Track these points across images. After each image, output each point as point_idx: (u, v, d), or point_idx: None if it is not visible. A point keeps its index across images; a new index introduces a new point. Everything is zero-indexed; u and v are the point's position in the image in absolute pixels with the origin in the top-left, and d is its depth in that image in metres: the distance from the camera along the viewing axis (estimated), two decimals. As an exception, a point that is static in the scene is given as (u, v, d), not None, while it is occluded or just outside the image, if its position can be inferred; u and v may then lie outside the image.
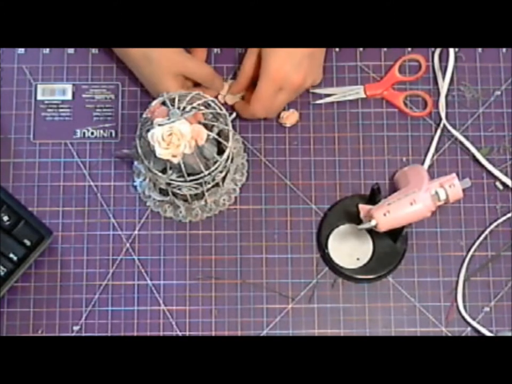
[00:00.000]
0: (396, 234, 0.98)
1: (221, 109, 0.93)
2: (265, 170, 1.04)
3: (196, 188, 0.94)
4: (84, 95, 1.06)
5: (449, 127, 1.04)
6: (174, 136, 0.87)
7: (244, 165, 1.03)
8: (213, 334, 1.00)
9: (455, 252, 1.02)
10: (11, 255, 0.97)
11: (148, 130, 0.89)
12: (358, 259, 1.01)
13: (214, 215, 1.02)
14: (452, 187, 0.95)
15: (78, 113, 1.05)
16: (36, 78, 1.06)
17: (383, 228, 0.94)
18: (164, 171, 0.92)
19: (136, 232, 1.02)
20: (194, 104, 0.90)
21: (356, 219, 0.98)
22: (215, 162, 0.93)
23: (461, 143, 1.04)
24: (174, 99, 0.90)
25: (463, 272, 1.01)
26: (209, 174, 0.92)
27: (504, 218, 1.02)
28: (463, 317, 1.00)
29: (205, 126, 0.90)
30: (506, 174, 1.03)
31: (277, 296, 1.01)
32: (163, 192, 1.00)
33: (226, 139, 0.93)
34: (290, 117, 1.04)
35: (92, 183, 1.03)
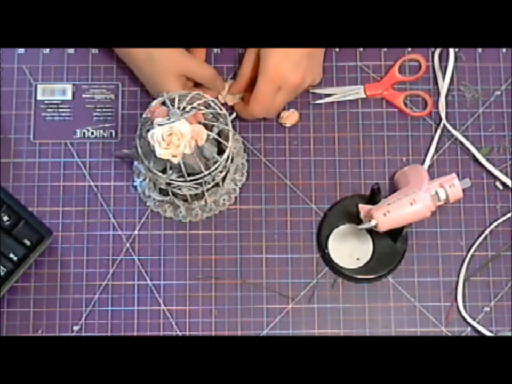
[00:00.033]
0: (396, 234, 0.98)
1: (221, 109, 0.93)
2: (265, 170, 1.04)
3: (196, 188, 0.94)
4: (84, 95, 1.06)
5: (449, 127, 1.04)
6: (174, 136, 0.87)
7: (244, 165, 1.03)
8: (213, 334, 1.00)
9: (455, 252, 1.02)
10: (11, 255, 0.97)
11: (148, 130, 0.89)
12: (358, 259, 1.01)
13: (214, 215, 1.02)
14: (452, 187, 0.95)
15: (78, 113, 1.05)
16: (35, 78, 1.06)
17: (383, 228, 0.94)
18: (164, 171, 0.92)
19: (136, 232, 1.02)
20: (194, 104, 0.90)
21: (355, 219, 0.98)
22: (215, 162, 0.93)
23: (461, 143, 1.04)
24: (174, 99, 0.90)
25: (463, 272, 1.01)
26: (209, 174, 0.92)
27: (504, 218, 1.02)
28: (463, 317, 1.00)
29: (205, 126, 0.90)
30: (506, 174, 1.03)
31: (277, 296, 1.01)
32: (163, 192, 1.00)
33: (226, 139, 0.93)
34: (290, 117, 1.04)
35: (91, 183, 1.03)
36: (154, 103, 0.91)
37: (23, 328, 0.99)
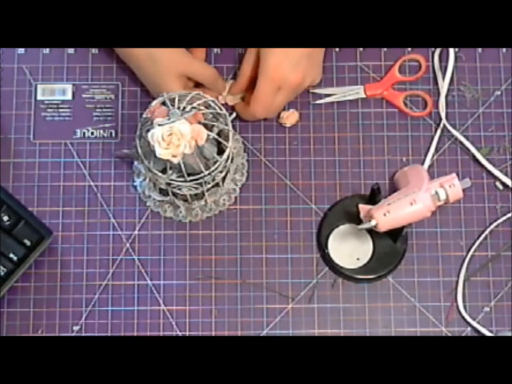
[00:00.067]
0: (396, 234, 0.98)
1: (221, 109, 0.93)
2: (265, 170, 1.04)
3: (196, 188, 0.94)
4: (84, 95, 1.06)
5: (449, 127, 1.04)
6: (174, 136, 0.87)
7: (244, 165, 1.03)
8: (213, 334, 1.00)
9: (455, 252, 1.02)
10: (11, 255, 0.97)
11: (148, 130, 0.89)
12: (358, 259, 1.01)
13: (214, 215, 1.02)
14: (452, 187, 0.95)
15: (78, 113, 1.05)
16: (35, 78, 1.06)
17: (383, 228, 0.94)
18: (164, 171, 0.92)
19: (136, 232, 1.02)
20: (194, 104, 0.90)
21: (356, 219, 0.98)
22: (215, 162, 0.93)
23: (461, 143, 1.04)
24: (174, 99, 0.90)
25: (463, 272, 1.01)
26: (209, 174, 0.92)
27: (504, 218, 1.02)
28: (463, 317, 1.00)
29: (205, 126, 0.90)
30: (506, 174, 1.03)
31: (277, 296, 1.01)
32: (163, 192, 1.00)
33: (226, 139, 0.93)
34: (290, 117, 1.04)
35: (91, 183, 1.03)
36: (154, 103, 0.91)
37: (23, 328, 0.99)
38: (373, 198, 0.98)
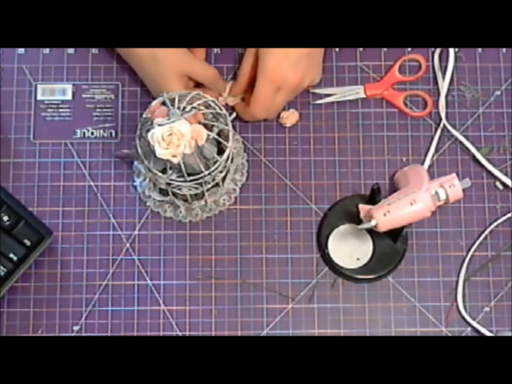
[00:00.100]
0: (396, 234, 0.98)
1: (221, 109, 0.93)
2: (265, 170, 1.04)
3: (196, 188, 0.94)
4: (84, 95, 1.06)
5: (449, 127, 1.04)
6: (174, 136, 0.87)
7: (244, 165, 1.03)
8: (213, 334, 1.00)
9: (455, 252, 1.02)
10: (11, 255, 0.97)
11: (148, 130, 0.89)
12: (358, 259, 1.01)
13: (214, 215, 1.02)
14: (452, 187, 0.95)
15: (78, 113, 1.05)
16: (35, 78, 1.06)
17: (383, 228, 0.94)
18: (164, 171, 0.92)
19: (136, 232, 1.02)
20: (194, 104, 0.90)
21: (356, 219, 0.98)
22: (215, 162, 0.93)
23: (461, 143, 1.04)
24: (174, 99, 0.90)
25: (463, 272, 1.01)
26: (209, 174, 0.92)
27: (504, 218, 1.02)
28: (463, 317, 1.00)
29: (205, 126, 0.90)
30: (506, 174, 1.03)
31: (277, 296, 1.01)
32: (163, 192, 1.00)
33: (226, 139, 0.93)
34: (290, 117, 1.04)
35: (91, 183, 1.03)
36: (154, 103, 0.91)
37: (23, 328, 0.99)
38: (373, 198, 0.98)
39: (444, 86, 1.05)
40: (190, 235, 1.02)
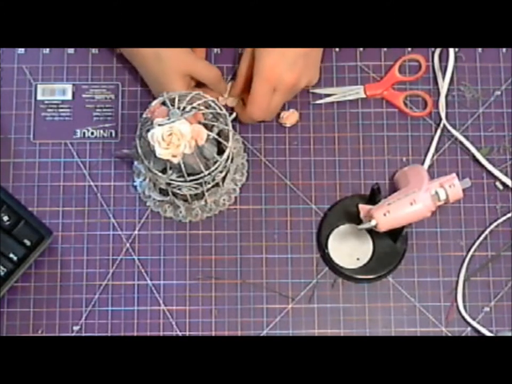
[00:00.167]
0: (396, 234, 0.98)
1: (221, 109, 0.93)
2: (265, 170, 1.04)
3: (196, 188, 0.94)
4: (84, 95, 1.06)
5: (449, 127, 1.04)
6: (174, 136, 0.87)
7: (244, 165, 1.03)
8: (213, 334, 1.00)
9: (455, 252, 1.02)
10: (11, 255, 0.97)
11: (148, 130, 0.89)
12: (358, 259, 1.01)
13: (214, 215, 1.02)
14: (452, 187, 0.95)
15: (78, 113, 1.05)
16: (35, 78, 1.06)
17: (383, 228, 0.94)
18: (164, 171, 0.92)
19: (136, 232, 1.02)
20: (194, 104, 0.90)
21: (356, 219, 0.98)
22: (215, 162, 0.93)
23: (461, 143, 1.04)
24: (174, 99, 0.90)
25: (463, 272, 1.01)
26: (209, 174, 0.92)
27: (504, 218, 1.02)
28: (463, 317, 1.00)
29: (205, 126, 0.90)
30: (506, 174, 1.03)
31: (277, 296, 1.01)
32: (163, 192, 1.00)
33: (226, 139, 0.93)
34: (290, 117, 1.04)
35: (91, 183, 1.03)
36: (154, 103, 0.91)
37: (23, 328, 0.99)
38: (373, 198, 0.98)
39: (444, 86, 1.05)
40: (190, 235, 1.02)
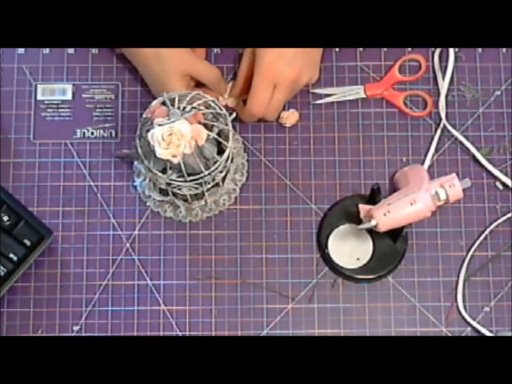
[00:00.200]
0: (395, 234, 0.98)
1: (221, 109, 0.93)
2: (265, 170, 1.04)
3: (196, 188, 0.94)
4: (84, 95, 1.06)
5: (449, 127, 1.04)
6: (174, 136, 0.87)
7: (244, 165, 1.03)
8: (213, 334, 1.00)
9: (455, 252, 1.02)
10: (11, 255, 0.97)
11: (148, 130, 0.89)
12: (358, 259, 1.01)
13: (214, 215, 1.02)
14: (452, 187, 0.95)
15: (78, 113, 1.05)
16: (35, 78, 1.06)
17: (383, 227, 0.94)
18: (164, 171, 0.92)
19: (136, 232, 1.02)
20: (194, 104, 0.90)
21: (355, 219, 0.98)
22: (215, 162, 0.93)
23: (461, 143, 1.04)
24: (174, 99, 0.90)
25: (463, 272, 1.01)
26: (209, 174, 0.92)
27: (504, 218, 1.02)
28: (463, 317, 1.00)
29: (205, 126, 0.90)
30: (506, 174, 1.03)
31: (277, 296, 1.01)
32: (163, 192, 1.00)
33: (226, 139, 0.93)
34: (290, 117, 1.04)
35: (92, 183, 1.03)
36: (154, 103, 0.91)
37: (23, 328, 0.99)
38: (373, 198, 0.98)
39: (443, 86, 1.05)
40: (190, 235, 1.02)
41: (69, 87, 1.06)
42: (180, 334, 1.00)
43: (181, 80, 0.99)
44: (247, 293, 1.01)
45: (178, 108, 0.89)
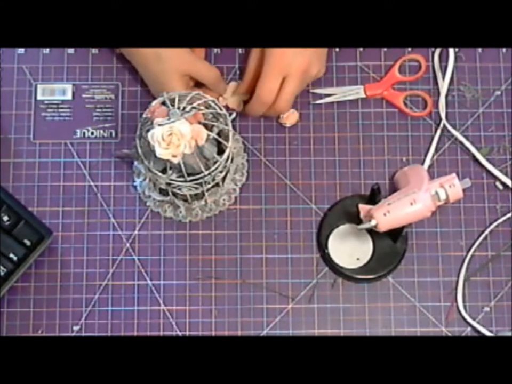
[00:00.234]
0: (395, 234, 0.98)
1: (221, 109, 0.93)
2: (265, 170, 1.04)
3: (196, 188, 0.94)
4: (84, 95, 1.06)
5: (449, 127, 1.04)
6: (174, 136, 0.87)
7: (244, 165, 1.03)
8: (213, 334, 1.00)
9: (455, 252, 1.02)
10: (11, 255, 0.97)
11: (148, 130, 0.89)
12: (358, 259, 1.01)
13: (214, 215, 1.02)
14: (452, 187, 0.95)
15: (78, 113, 1.05)
16: (35, 78, 1.06)
17: (383, 227, 0.94)
18: (164, 171, 0.92)
19: (136, 232, 1.02)
20: (194, 104, 0.90)
21: (355, 219, 0.98)
22: (215, 162, 0.93)
23: (461, 143, 1.04)
24: (174, 99, 0.90)
25: (463, 272, 1.01)
26: (209, 174, 0.92)
27: (504, 218, 1.02)
28: (463, 317, 1.00)
29: (205, 126, 0.90)
30: (506, 174, 1.03)
31: (277, 296, 1.01)
32: (163, 192, 1.00)
33: (226, 139, 0.93)
34: (290, 117, 1.04)
35: (92, 183, 1.03)
36: (154, 103, 0.91)
37: (23, 328, 0.99)
38: (373, 198, 0.98)
39: (443, 86, 1.05)
40: (190, 235, 1.02)
41: (69, 87, 1.06)
42: (180, 334, 1.00)
43: (180, 80, 0.99)
44: (247, 293, 1.01)
45: (178, 108, 0.89)
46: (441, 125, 1.05)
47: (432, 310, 1.00)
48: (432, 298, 1.01)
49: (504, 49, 1.07)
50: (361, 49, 1.07)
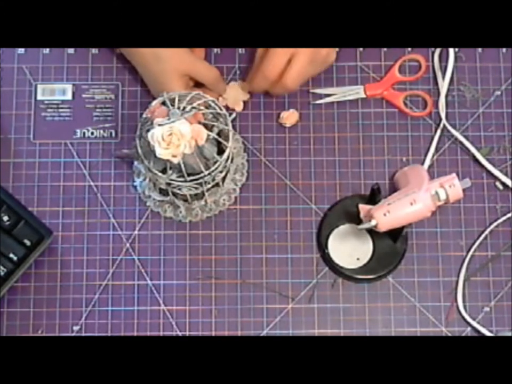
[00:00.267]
0: (395, 234, 0.98)
1: (221, 109, 0.93)
2: (265, 170, 1.04)
3: (196, 188, 0.94)
4: (84, 95, 1.06)
5: (449, 127, 1.04)
6: (174, 136, 0.87)
7: (244, 165, 1.03)
8: (213, 334, 1.00)
9: (455, 252, 1.02)
10: (11, 255, 0.97)
11: (148, 130, 0.89)
12: (358, 259, 1.01)
13: (214, 215, 1.02)
14: (452, 187, 0.95)
15: (78, 113, 1.05)
16: (36, 78, 1.06)
17: (383, 227, 0.94)
18: (164, 171, 0.92)
19: (136, 232, 1.02)
20: (194, 104, 0.90)
21: (355, 219, 0.98)
22: (215, 162, 0.93)
23: (461, 143, 1.04)
24: (174, 99, 0.90)
25: (463, 272, 1.01)
26: (209, 174, 0.92)
27: (504, 218, 1.02)
28: (463, 317, 1.00)
29: (205, 126, 0.90)
30: (506, 174, 1.03)
31: (277, 296, 1.01)
32: (163, 192, 1.00)
33: (226, 139, 0.93)
34: (290, 117, 1.04)
35: (92, 183, 1.03)
36: (154, 103, 0.91)
37: (23, 328, 0.99)
38: (373, 198, 0.98)
39: (443, 86, 1.05)
40: (190, 235, 1.02)
41: (69, 87, 1.06)
42: (180, 334, 1.00)
43: (180, 80, 0.99)
44: (247, 293, 1.01)
45: (178, 107, 0.89)
46: (441, 125, 1.05)
47: (432, 310, 1.00)
48: (432, 298, 1.01)
49: (504, 49, 1.07)
50: (361, 49, 1.07)
